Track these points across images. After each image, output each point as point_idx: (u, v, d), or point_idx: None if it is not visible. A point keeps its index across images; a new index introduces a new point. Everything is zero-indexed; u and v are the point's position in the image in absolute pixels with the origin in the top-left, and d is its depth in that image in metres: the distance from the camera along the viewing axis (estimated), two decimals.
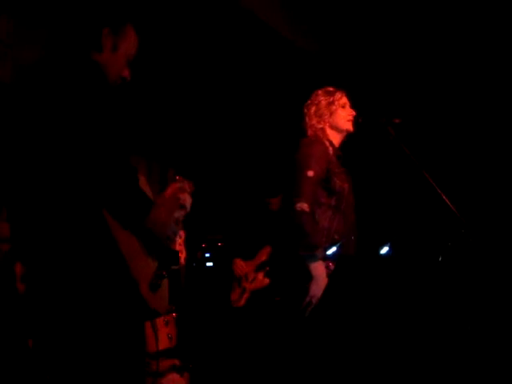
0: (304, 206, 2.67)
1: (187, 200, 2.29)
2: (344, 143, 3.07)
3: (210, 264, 4.84)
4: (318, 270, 2.64)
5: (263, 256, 4.59)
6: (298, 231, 2.67)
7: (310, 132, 2.99)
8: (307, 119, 3.02)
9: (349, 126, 2.97)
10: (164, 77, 4.37)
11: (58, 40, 1.88)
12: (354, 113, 2.97)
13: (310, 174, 2.73)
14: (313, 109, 3.00)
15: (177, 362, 3.45)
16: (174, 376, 3.38)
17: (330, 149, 2.93)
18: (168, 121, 4.68)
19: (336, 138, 3.00)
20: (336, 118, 2.96)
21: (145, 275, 1.83)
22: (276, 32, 4.42)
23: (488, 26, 4.28)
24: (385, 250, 2.84)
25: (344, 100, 2.99)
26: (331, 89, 3.03)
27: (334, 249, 2.75)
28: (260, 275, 4.54)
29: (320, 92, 3.03)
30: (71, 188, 1.68)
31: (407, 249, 3.17)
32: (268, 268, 4.53)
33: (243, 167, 5.02)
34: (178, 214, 2.12)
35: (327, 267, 2.73)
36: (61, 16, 1.92)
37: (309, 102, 3.05)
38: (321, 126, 2.97)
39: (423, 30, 4.46)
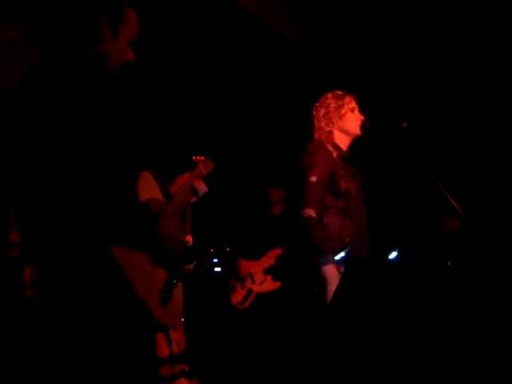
0: (310, 212, 2.68)
1: (201, 186, 2.30)
2: (352, 147, 3.06)
3: (218, 269, 4.84)
4: (331, 273, 2.64)
5: (271, 259, 4.57)
6: (306, 237, 2.68)
7: (316, 135, 2.99)
8: (316, 122, 3.01)
9: (358, 131, 2.98)
10: (166, 81, 4.38)
11: (56, 39, 1.85)
12: (362, 117, 2.97)
13: (313, 179, 2.74)
14: (322, 111, 3.00)
15: (186, 367, 3.45)
16: (183, 381, 3.38)
17: (334, 152, 2.92)
18: (170, 126, 4.69)
19: (344, 142, 3.00)
20: (345, 121, 2.96)
21: (154, 291, 1.82)
22: (280, 34, 4.43)
23: (493, 29, 4.28)
24: (393, 254, 2.83)
25: (353, 104, 2.99)
26: (340, 92, 3.02)
27: (342, 254, 2.74)
28: (269, 278, 4.52)
29: (329, 95, 3.02)
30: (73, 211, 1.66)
31: (415, 253, 3.16)
32: (278, 272, 4.51)
33: (247, 168, 5.02)
34: (191, 199, 2.14)
35: (339, 270, 2.73)
36: (56, 13, 1.88)
37: (317, 104, 3.04)
38: (329, 128, 2.96)
39: (431, 36, 4.45)
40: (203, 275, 4.72)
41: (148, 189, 1.95)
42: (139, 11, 1.96)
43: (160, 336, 3.36)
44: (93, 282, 1.69)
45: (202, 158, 2.39)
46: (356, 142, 3.05)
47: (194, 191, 2.30)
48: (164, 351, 3.38)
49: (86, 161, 1.65)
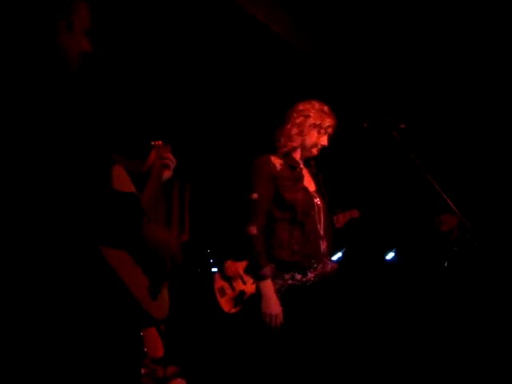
0: (252, 228, 2.74)
1: (170, 159, 2.30)
2: (349, 148, 3.06)
3: (215, 269, 4.84)
4: (265, 288, 2.68)
5: None
6: (248, 253, 2.77)
7: (281, 142, 2.96)
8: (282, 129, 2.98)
9: (313, 152, 2.93)
10: (167, 83, 4.38)
11: (9, 39, 1.81)
12: (323, 142, 2.91)
13: (255, 196, 2.79)
14: (286, 125, 2.96)
15: (177, 368, 3.45)
16: (180, 382, 3.38)
17: (278, 163, 2.88)
18: (161, 123, 4.68)
19: (298, 153, 2.97)
20: (304, 139, 2.92)
21: (143, 286, 1.83)
22: (277, 35, 4.42)
23: (490, 29, 4.28)
24: (390, 255, 2.84)
25: (326, 123, 2.91)
26: (312, 109, 2.93)
27: (339, 254, 2.75)
28: None
29: (299, 107, 2.97)
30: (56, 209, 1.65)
31: (413, 254, 3.17)
32: None
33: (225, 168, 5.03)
34: (166, 176, 2.14)
35: (292, 278, 2.75)
36: (5, 14, 1.88)
37: (289, 110, 3.00)
38: (291, 144, 2.93)
39: (428, 36, 4.46)
40: (200, 275, 4.72)
41: (121, 182, 1.93)
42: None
43: (155, 336, 3.36)
44: (86, 282, 1.69)
45: (160, 142, 2.40)
46: (355, 143, 3.04)
47: (165, 165, 2.31)
48: (160, 351, 3.38)
49: (62, 162, 1.64)
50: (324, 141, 2.91)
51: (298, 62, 4.68)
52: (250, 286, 4.48)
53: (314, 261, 2.75)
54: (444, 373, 2.58)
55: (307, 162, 3.03)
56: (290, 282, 2.73)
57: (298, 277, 2.73)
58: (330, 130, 2.92)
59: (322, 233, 2.84)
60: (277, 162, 2.89)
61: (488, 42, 4.32)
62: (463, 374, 2.55)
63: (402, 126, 2.85)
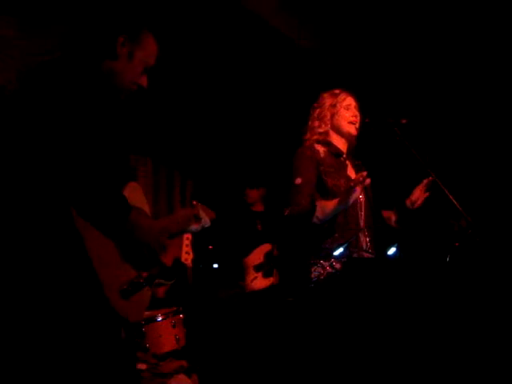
0: (288, 210, 2.72)
1: (205, 217, 2.28)
2: (353, 145, 3.05)
3: (215, 265, 4.85)
4: (346, 199, 2.58)
5: (260, 256, 4.57)
6: (303, 221, 2.69)
7: (307, 135, 2.98)
8: (310, 122, 3.02)
9: (350, 129, 2.94)
10: (168, 79, 4.37)
11: (73, 45, 1.90)
12: (357, 114, 2.94)
13: (298, 181, 2.77)
14: (317, 111, 3.00)
15: (184, 363, 3.45)
16: (182, 377, 3.38)
17: (323, 151, 2.90)
18: (174, 124, 4.69)
19: (340, 141, 2.99)
20: (337, 119, 2.94)
21: (118, 282, 1.83)
22: (279, 32, 4.42)
23: (489, 25, 4.28)
24: (392, 250, 2.83)
25: (348, 101, 2.96)
26: (337, 91, 3.00)
27: (340, 249, 2.75)
28: (260, 275, 4.51)
29: (325, 94, 3.02)
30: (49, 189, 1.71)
31: (414, 249, 3.16)
32: (267, 268, 4.52)
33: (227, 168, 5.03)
34: (189, 229, 2.15)
35: (331, 266, 2.74)
36: (78, 21, 1.95)
37: (315, 104, 3.04)
38: (323, 129, 2.95)
39: (430, 31, 4.45)
40: (201, 271, 4.72)
41: (135, 198, 1.96)
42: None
43: (155, 332, 3.37)
44: (53, 257, 1.72)
45: (204, 206, 2.37)
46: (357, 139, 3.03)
47: (198, 219, 2.28)
48: (160, 348, 3.38)
49: (73, 153, 1.68)
50: (354, 112, 2.93)
51: (299, 57, 4.68)
52: (248, 284, 4.50)
53: (353, 250, 2.76)
54: (444, 369, 2.58)
55: (350, 154, 3.03)
56: (328, 269, 2.71)
57: (337, 265, 2.72)
58: (349, 102, 2.95)
59: (362, 225, 2.83)
60: (320, 148, 2.90)
61: (488, 37, 4.31)
62: (464, 370, 2.55)
63: (404, 121, 2.85)
